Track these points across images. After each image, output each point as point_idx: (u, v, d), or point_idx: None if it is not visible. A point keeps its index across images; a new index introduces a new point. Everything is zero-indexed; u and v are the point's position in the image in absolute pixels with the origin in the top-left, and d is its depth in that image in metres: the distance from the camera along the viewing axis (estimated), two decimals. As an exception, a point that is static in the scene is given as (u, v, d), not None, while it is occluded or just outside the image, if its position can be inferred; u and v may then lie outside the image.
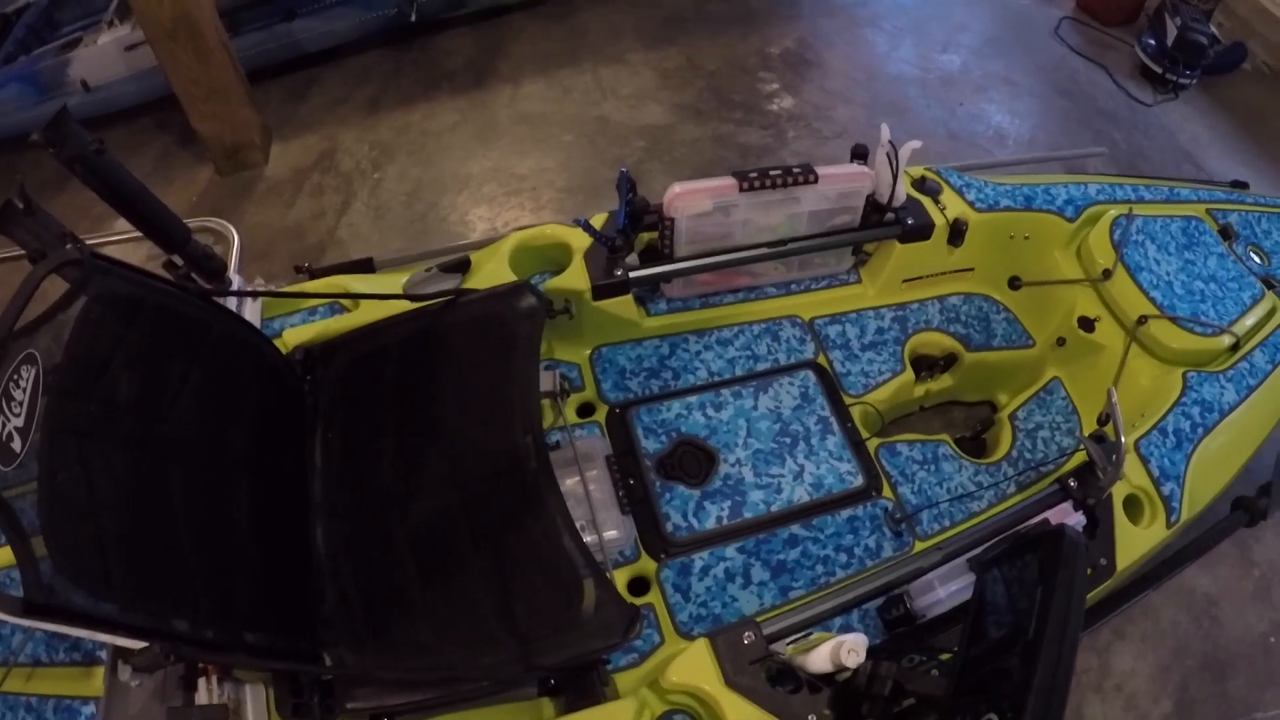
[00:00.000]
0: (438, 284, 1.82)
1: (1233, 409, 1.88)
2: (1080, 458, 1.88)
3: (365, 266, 2.03)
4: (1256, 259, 2.25)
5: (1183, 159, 3.27)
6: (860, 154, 1.95)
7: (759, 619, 1.43)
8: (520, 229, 1.92)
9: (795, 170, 1.80)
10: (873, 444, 1.88)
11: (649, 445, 1.76)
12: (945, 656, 1.33)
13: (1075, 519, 1.60)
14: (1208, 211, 2.30)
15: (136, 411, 1.21)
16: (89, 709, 1.41)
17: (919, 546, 1.73)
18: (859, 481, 1.79)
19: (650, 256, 1.89)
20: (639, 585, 1.62)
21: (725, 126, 3.21)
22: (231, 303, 1.63)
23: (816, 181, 1.82)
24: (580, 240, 1.85)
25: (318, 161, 3.19)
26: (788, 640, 1.40)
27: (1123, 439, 1.55)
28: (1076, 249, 2.12)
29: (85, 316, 1.17)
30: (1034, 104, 3.46)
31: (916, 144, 1.86)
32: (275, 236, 2.94)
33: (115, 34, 3.07)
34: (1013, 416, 2.04)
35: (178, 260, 1.57)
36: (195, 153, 3.19)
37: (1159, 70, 3.51)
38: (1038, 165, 2.67)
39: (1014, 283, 2.19)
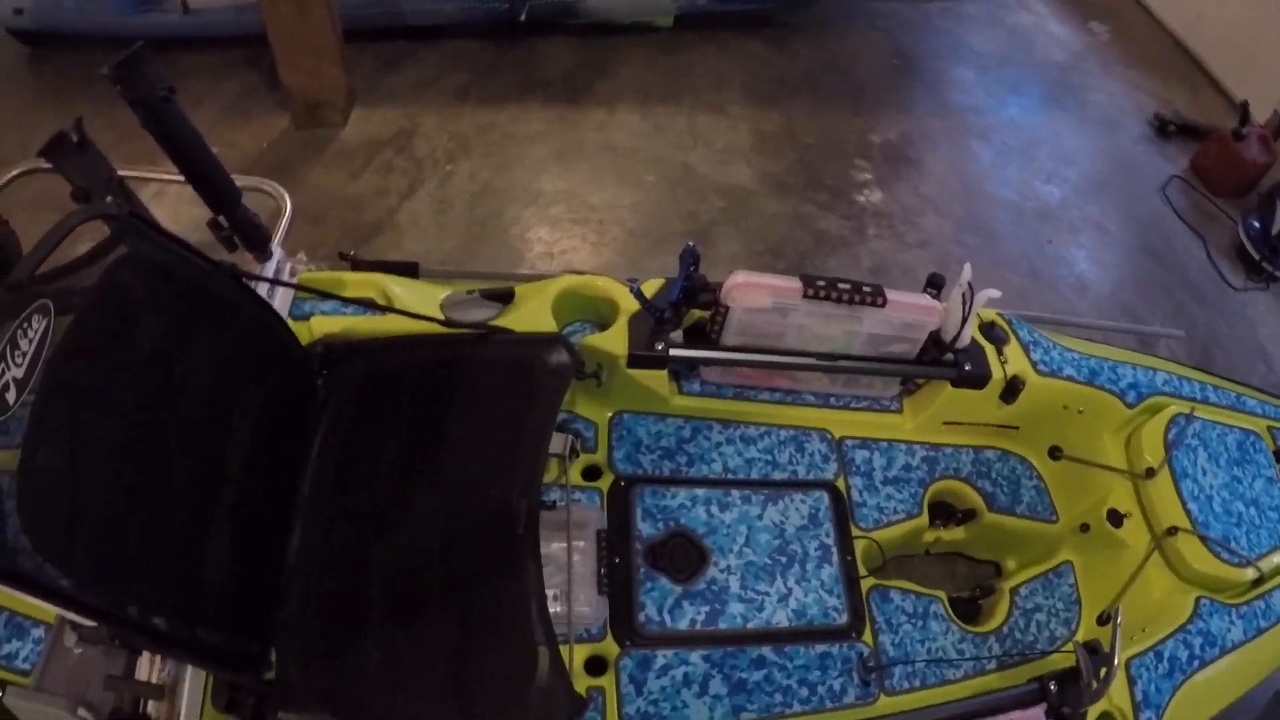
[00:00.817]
0: (476, 310, 1.79)
1: (1235, 648, 1.78)
2: (1066, 658, 1.82)
3: (409, 270, 2.00)
4: None
5: (1257, 356, 3.14)
6: (935, 284, 1.89)
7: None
8: (572, 271, 1.89)
9: (866, 289, 1.75)
10: (867, 583, 1.82)
11: (644, 528, 1.71)
12: None
13: None
14: (1269, 429, 2.20)
15: (141, 387, 1.19)
16: (39, 631, 1.41)
17: (883, 701, 1.67)
18: (842, 620, 1.74)
19: (695, 334, 1.85)
20: (596, 664, 1.58)
21: (807, 207, 3.15)
22: (268, 274, 1.62)
23: (884, 305, 1.77)
24: (629, 301, 1.82)
25: (394, 138, 3.19)
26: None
27: (1116, 662, 1.48)
28: (1127, 437, 2.04)
29: (110, 277, 1.13)
30: (1122, 258, 3.36)
31: (995, 293, 1.80)
32: (334, 204, 2.93)
33: (218, -37, 3.09)
34: (1014, 590, 1.97)
35: (223, 221, 1.55)
36: (278, 99, 3.19)
37: (1256, 256, 3.38)
38: (1110, 333, 2.58)
39: (1054, 453, 2.12)
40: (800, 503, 1.86)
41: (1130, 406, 2.03)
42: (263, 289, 1.55)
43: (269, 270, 1.67)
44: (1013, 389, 1.96)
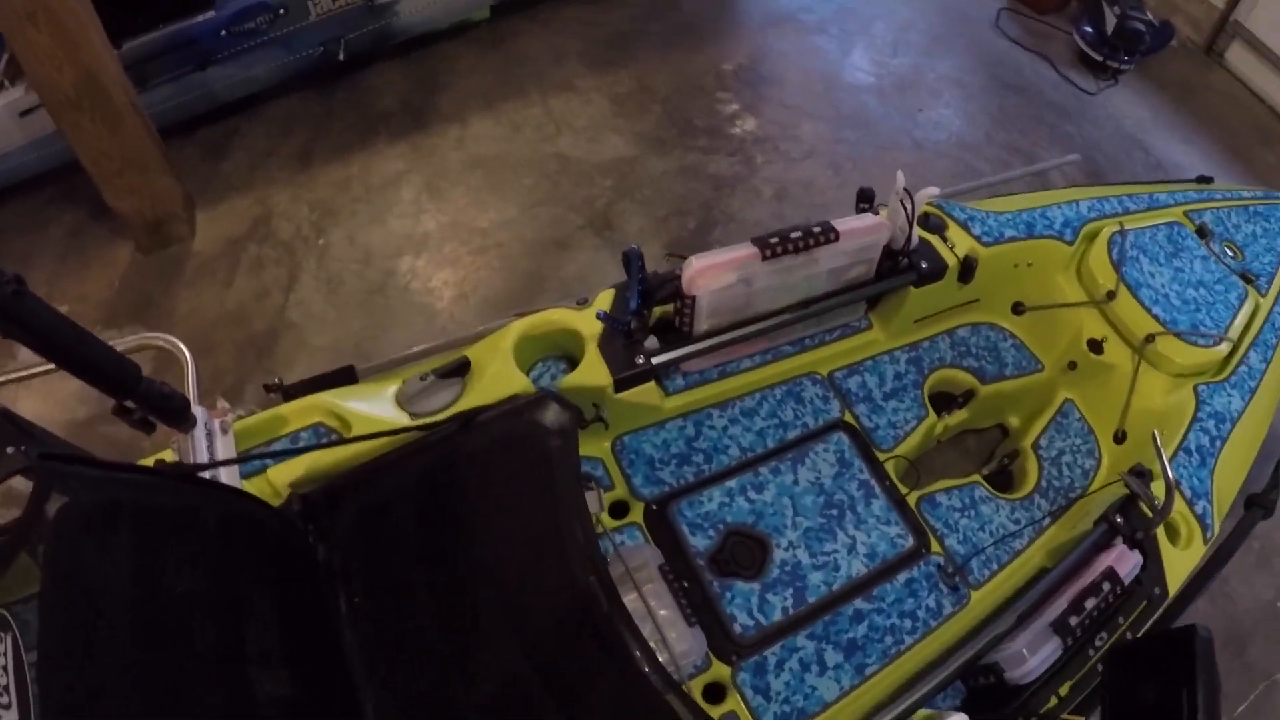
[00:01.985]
0: (438, 395, 1.65)
1: (1241, 414, 1.95)
2: (1105, 482, 1.92)
3: (346, 377, 1.81)
4: (1230, 254, 2.32)
5: (1134, 146, 3.35)
6: (867, 198, 1.88)
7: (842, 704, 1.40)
8: (521, 314, 1.78)
9: (816, 230, 1.72)
10: (912, 499, 1.84)
11: (697, 542, 1.66)
12: None
13: (1133, 558, 1.60)
14: (1185, 214, 2.35)
15: (141, 647, 1.02)
16: None
17: (976, 597, 1.72)
18: (909, 543, 1.75)
19: (665, 330, 1.78)
20: (715, 692, 1.54)
21: (692, 156, 3.09)
22: (200, 444, 1.43)
23: (839, 240, 1.75)
24: (589, 324, 1.73)
25: (252, 230, 2.89)
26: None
27: (1170, 475, 1.56)
28: (1077, 270, 2.13)
29: (56, 553, 0.95)
30: (987, 103, 3.48)
31: (934, 190, 1.81)
32: (216, 325, 2.63)
33: (7, 98, 2.68)
34: (1036, 446, 2.04)
35: (130, 405, 1.31)
36: (112, 229, 2.82)
37: (1099, 58, 3.58)
38: (1014, 182, 2.67)
39: (1018, 309, 2.19)
40: (824, 451, 1.84)
41: (1070, 243, 2.13)
42: (200, 446, 1.35)
43: (199, 440, 1.47)
44: (968, 268, 2.00)
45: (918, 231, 1.94)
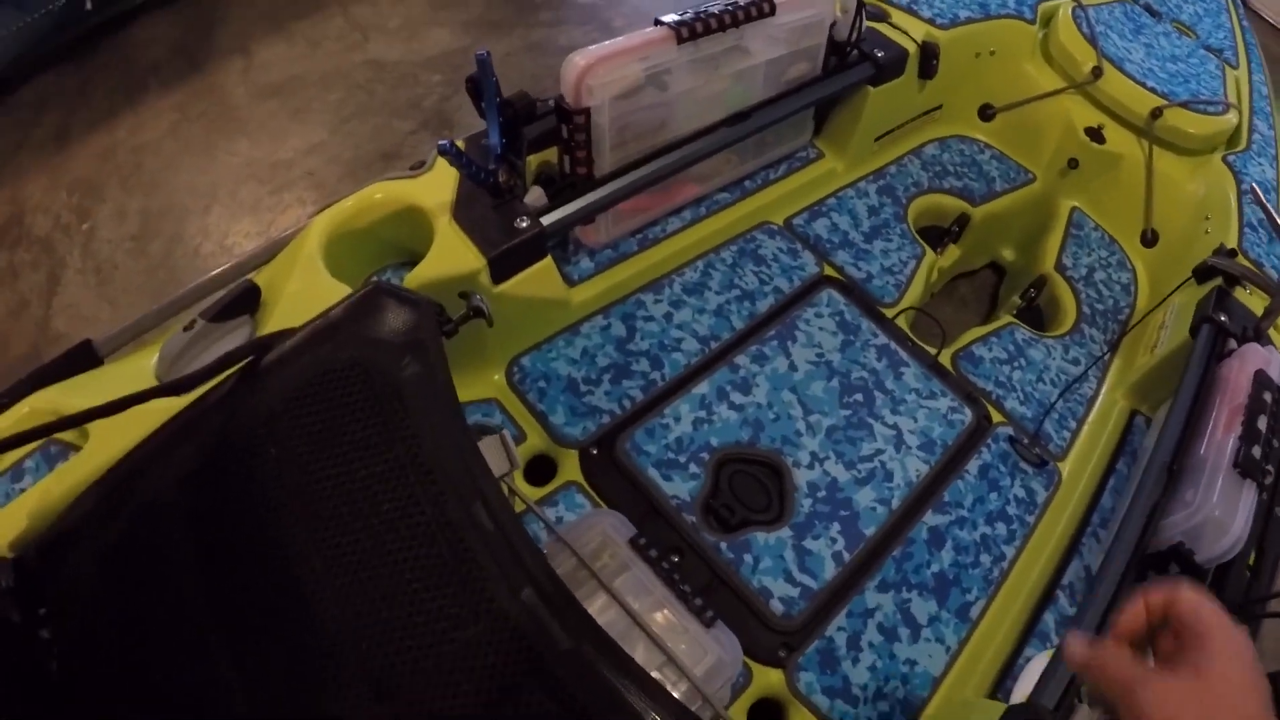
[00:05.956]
0: (214, 342, 0.96)
1: None
2: (1148, 293, 1.50)
3: (83, 359, 1.04)
4: (1183, 35, 2.00)
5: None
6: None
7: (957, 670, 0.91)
8: (328, 206, 1.08)
9: (744, 2, 1.13)
10: (945, 360, 1.31)
11: (676, 489, 1.03)
12: None
13: (1267, 355, 1.14)
14: None
15: None
16: None
17: (1067, 469, 1.21)
18: (967, 416, 1.21)
19: (550, 185, 1.14)
20: (770, 711, 0.93)
21: (537, 32, 2.44)
22: None
23: (774, 12, 1.16)
24: (433, 192, 1.07)
25: (1, 234, 2.07)
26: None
27: None
28: (1044, 54, 1.74)
29: None
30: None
31: None
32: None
33: None
34: (1060, 267, 1.56)
35: None
36: None
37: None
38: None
39: (986, 112, 1.72)
40: (815, 318, 1.27)
41: (1031, 22, 1.72)
42: None
43: None
44: (928, 56, 1.53)
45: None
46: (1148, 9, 1.96)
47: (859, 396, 1.17)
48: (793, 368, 1.18)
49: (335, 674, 0.65)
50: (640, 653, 0.81)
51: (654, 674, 0.77)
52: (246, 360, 0.80)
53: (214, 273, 1.13)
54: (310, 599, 0.68)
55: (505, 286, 1.05)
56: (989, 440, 1.20)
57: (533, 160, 1.18)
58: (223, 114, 2.34)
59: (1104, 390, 1.36)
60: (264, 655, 0.68)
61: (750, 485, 1.04)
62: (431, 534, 0.68)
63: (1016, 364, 1.34)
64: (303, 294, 0.96)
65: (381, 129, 2.19)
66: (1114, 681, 0.54)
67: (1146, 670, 0.54)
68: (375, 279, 1.09)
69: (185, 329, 0.98)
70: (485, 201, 1.06)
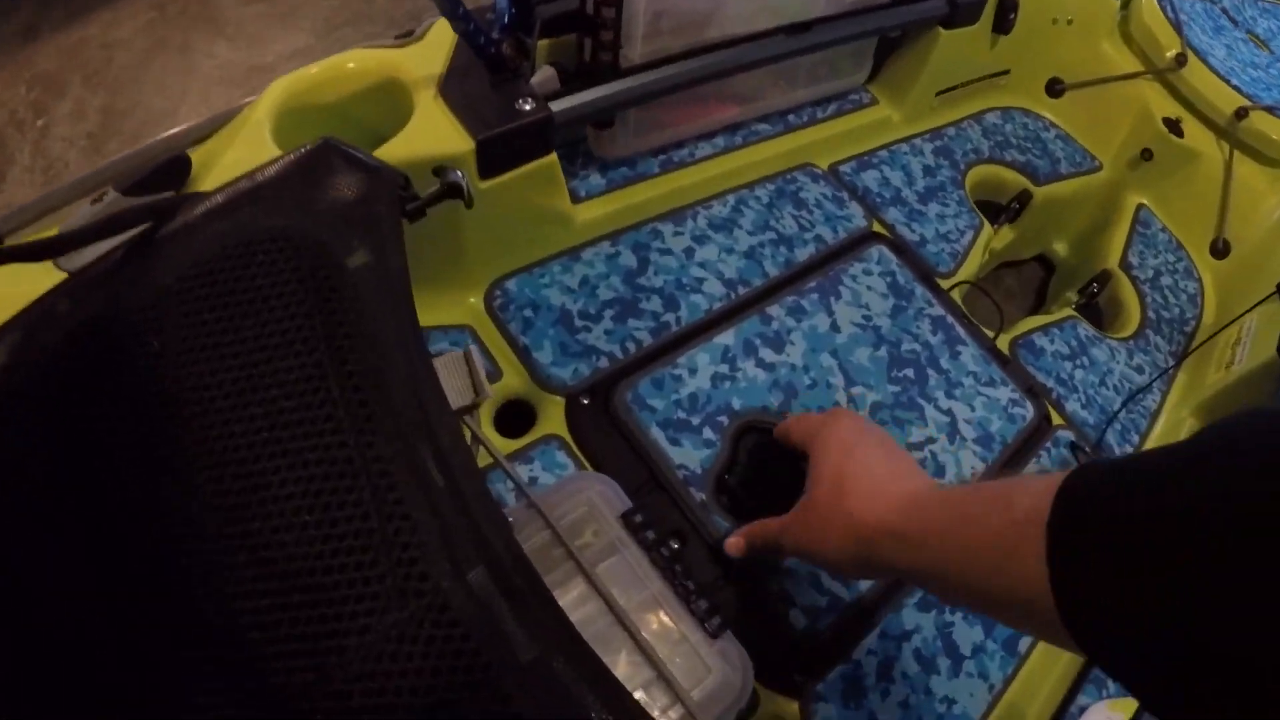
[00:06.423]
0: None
1: None
2: (1216, 309, 1.33)
3: None
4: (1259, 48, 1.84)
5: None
6: None
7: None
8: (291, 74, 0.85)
9: None
10: (1003, 345, 1.12)
11: (686, 456, 0.83)
12: None
13: None
14: None
15: None
16: None
17: None
18: (1030, 412, 1.02)
19: (570, 73, 0.93)
20: None
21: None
22: None
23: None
24: (420, 64, 0.84)
25: None
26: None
27: None
28: (1124, 35, 1.55)
29: None
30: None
31: None
32: None
33: None
34: (1125, 265, 1.38)
35: None
36: None
37: None
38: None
39: (1054, 88, 1.53)
40: (864, 274, 1.07)
41: None
42: None
43: None
44: (1006, 9, 1.33)
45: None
46: (1225, 13, 1.80)
47: (910, 372, 0.97)
48: (835, 328, 0.98)
49: (200, 666, 0.43)
50: (622, 664, 0.60)
51: (638, 694, 0.58)
52: (143, 226, 0.58)
53: (142, 145, 0.89)
54: (178, 555, 0.46)
55: (495, 182, 0.83)
56: (1048, 444, 1.01)
57: (543, 45, 0.96)
58: (204, 13, 2.12)
59: (1168, 405, 1.19)
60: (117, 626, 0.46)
61: (775, 461, 0.84)
62: (352, 475, 0.47)
63: (1079, 362, 1.15)
64: (241, 164, 0.73)
65: (374, 39, 1.96)
66: (767, 547, 0.65)
67: (780, 519, 0.62)
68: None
69: (93, 202, 0.74)
70: (483, 78, 0.84)
